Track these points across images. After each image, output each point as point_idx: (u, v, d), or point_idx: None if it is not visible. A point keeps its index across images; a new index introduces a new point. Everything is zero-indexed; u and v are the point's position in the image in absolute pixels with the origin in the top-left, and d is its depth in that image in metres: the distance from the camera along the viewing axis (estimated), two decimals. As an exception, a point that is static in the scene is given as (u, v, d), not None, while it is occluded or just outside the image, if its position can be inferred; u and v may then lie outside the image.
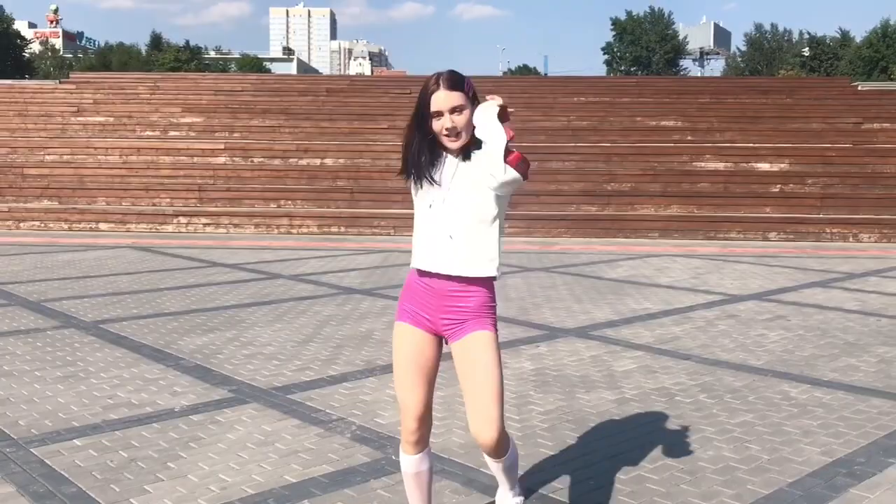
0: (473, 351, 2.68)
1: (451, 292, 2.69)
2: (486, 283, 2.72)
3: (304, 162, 18.06)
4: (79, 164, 17.95)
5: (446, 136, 2.59)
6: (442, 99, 2.57)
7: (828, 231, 14.49)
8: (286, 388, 5.04)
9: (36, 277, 9.55)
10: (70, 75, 28.11)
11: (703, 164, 17.53)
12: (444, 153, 2.65)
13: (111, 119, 21.07)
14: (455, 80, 2.60)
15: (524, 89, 25.03)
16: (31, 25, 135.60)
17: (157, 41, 76.40)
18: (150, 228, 15.23)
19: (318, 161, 18.11)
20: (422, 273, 2.72)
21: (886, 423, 4.44)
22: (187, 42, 73.82)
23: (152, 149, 18.65)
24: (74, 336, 6.47)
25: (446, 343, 2.79)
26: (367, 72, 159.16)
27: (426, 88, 2.61)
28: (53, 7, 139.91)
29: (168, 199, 16.35)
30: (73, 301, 8.01)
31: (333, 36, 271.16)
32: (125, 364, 5.60)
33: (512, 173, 2.53)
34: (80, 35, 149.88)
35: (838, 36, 65.28)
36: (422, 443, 2.78)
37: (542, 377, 5.31)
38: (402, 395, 2.76)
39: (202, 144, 18.83)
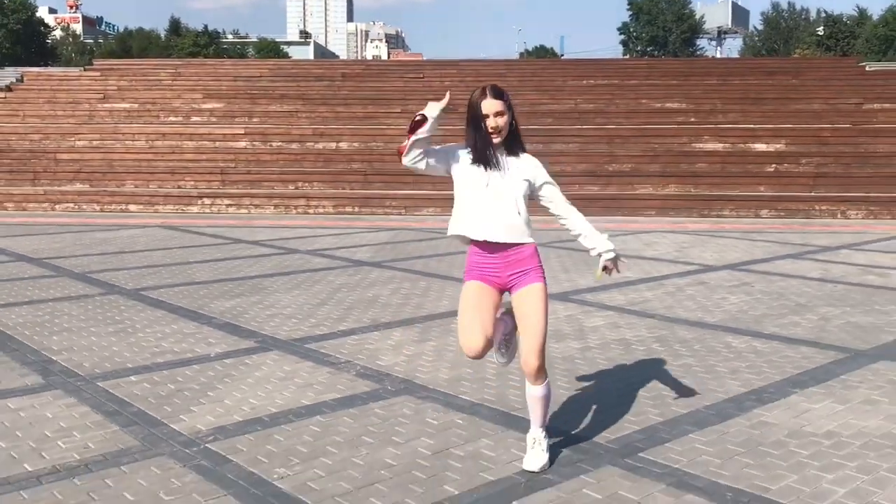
0: (529, 299, 3.54)
1: (510, 253, 3.55)
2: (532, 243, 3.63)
3: (320, 146, 18.96)
4: (107, 149, 18.97)
5: (491, 133, 3.47)
6: (489, 105, 3.46)
7: (817, 208, 15.19)
8: (303, 339, 5.96)
9: (76, 253, 10.54)
10: (93, 62, 29.12)
11: (701, 146, 18.22)
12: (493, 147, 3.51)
13: (136, 105, 22.07)
14: (497, 92, 3.49)
15: (535, 72, 25.72)
16: (52, 11, 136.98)
17: (175, 26, 77.33)
18: (177, 209, 16.22)
19: (333, 145, 19.01)
20: (478, 244, 3.55)
21: (804, 364, 5.28)
22: (206, 27, 74.71)
23: (176, 134, 19.61)
24: (119, 300, 7.43)
25: (509, 293, 3.62)
26: (384, 54, 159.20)
27: (476, 98, 3.47)
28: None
29: (192, 182, 17.33)
30: (113, 272, 8.97)
31: (350, 18, 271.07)
32: (165, 322, 6.54)
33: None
34: (100, 20, 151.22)
35: (856, 14, 64.97)
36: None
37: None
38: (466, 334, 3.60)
39: (223, 129, 19.77)
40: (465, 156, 3.57)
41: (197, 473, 3.60)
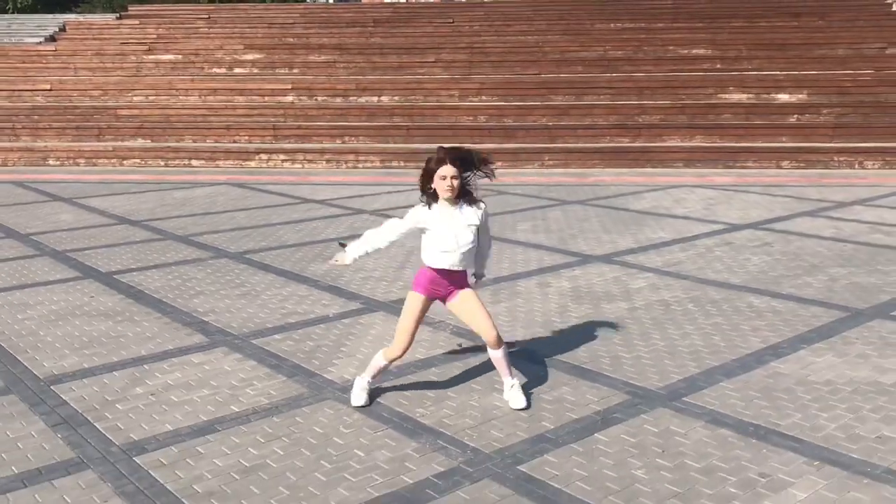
0: (468, 299, 4.94)
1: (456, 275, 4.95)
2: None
3: (363, 100, 19.99)
4: (164, 105, 20.11)
5: (447, 190, 4.69)
6: (447, 170, 4.68)
7: (835, 159, 16.12)
8: (398, 301, 7.21)
9: (169, 214, 11.84)
10: (128, 9, 29.90)
11: (727, 96, 19.04)
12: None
13: (180, 57, 23.07)
14: (455, 157, 4.68)
15: (562, 15, 26.22)
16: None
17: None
18: (237, 164, 17.44)
19: (375, 99, 20.02)
20: (439, 269, 4.88)
21: (813, 322, 6.52)
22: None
23: (226, 89, 20.67)
24: (230, 264, 8.76)
25: (443, 302, 5.01)
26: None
27: (436, 159, 4.70)
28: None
29: (247, 137, 18.50)
30: (212, 235, 10.28)
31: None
32: (279, 285, 7.87)
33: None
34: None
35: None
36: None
37: (576, 293, 7.46)
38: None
39: (270, 84, 20.79)
40: (423, 211, 4.79)
41: (360, 413, 4.96)
